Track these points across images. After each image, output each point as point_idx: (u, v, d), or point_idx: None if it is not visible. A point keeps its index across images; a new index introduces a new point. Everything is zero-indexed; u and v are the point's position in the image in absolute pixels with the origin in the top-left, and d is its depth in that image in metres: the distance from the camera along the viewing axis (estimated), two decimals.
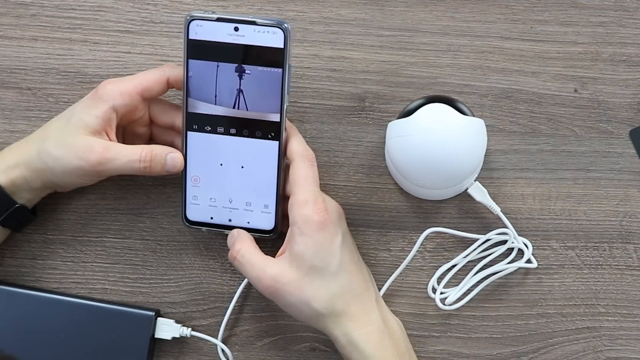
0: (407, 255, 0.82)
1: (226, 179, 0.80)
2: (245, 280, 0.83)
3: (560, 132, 0.85)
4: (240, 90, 0.78)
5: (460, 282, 0.83)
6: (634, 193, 0.84)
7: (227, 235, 0.82)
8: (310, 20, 0.85)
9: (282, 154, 0.79)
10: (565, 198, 0.85)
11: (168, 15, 0.86)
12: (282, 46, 0.77)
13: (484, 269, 0.83)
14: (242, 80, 0.78)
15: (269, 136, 0.79)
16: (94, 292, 0.85)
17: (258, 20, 0.76)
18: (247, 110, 0.78)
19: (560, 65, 0.85)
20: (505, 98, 0.85)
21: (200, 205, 0.82)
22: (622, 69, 0.85)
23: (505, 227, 0.83)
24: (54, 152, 0.77)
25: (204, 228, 0.82)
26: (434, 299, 0.82)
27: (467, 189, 0.83)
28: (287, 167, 0.80)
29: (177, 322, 0.83)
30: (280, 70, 0.77)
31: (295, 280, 0.76)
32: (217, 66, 0.78)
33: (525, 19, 0.85)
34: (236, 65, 0.77)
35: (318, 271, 0.76)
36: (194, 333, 0.83)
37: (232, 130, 0.79)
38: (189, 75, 0.78)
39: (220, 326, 0.84)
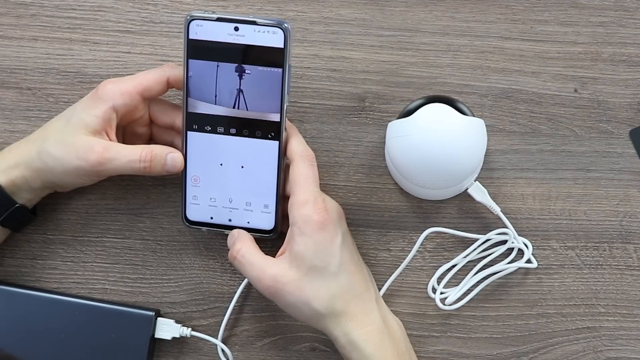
0: (407, 255, 0.82)
1: (226, 179, 0.80)
2: (245, 280, 0.83)
3: (560, 132, 0.85)
4: (240, 90, 0.78)
5: (460, 282, 0.83)
6: (634, 193, 0.84)
7: (227, 235, 0.82)
8: (310, 20, 0.85)
9: (282, 154, 0.79)
10: (565, 198, 0.85)
11: (168, 15, 0.86)
12: (282, 46, 0.77)
13: (484, 269, 0.83)
14: (242, 80, 0.78)
15: (269, 136, 0.79)
16: (94, 292, 0.85)
17: (258, 20, 0.76)
18: (247, 110, 0.79)
19: (560, 65, 0.85)
20: (505, 98, 0.85)
21: (200, 205, 0.82)
22: (622, 69, 0.85)
23: (505, 227, 0.83)
24: (54, 152, 0.77)
25: (204, 228, 0.82)
26: (434, 299, 0.82)
27: (467, 189, 0.83)
28: (287, 167, 0.80)
29: (177, 322, 0.83)
30: (280, 70, 0.77)
31: (295, 280, 0.76)
32: (217, 66, 0.78)
33: (525, 19, 0.85)
34: (236, 65, 0.77)
35: (318, 271, 0.76)
36: (194, 333, 0.83)
37: (232, 130, 0.79)
38: (189, 75, 0.78)
39: (220, 326, 0.84)
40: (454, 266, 0.84)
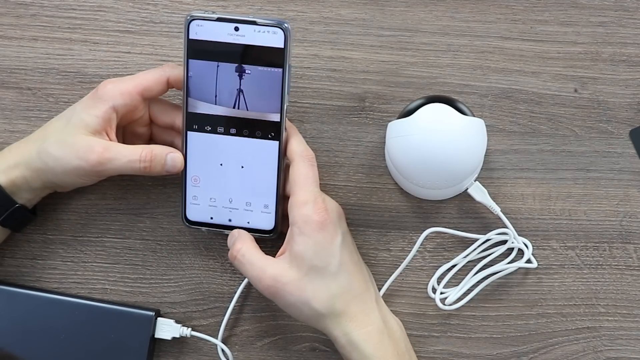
0: (407, 255, 0.82)
1: (226, 179, 0.80)
2: (245, 280, 0.83)
3: (560, 132, 0.85)
4: (240, 90, 0.78)
5: (460, 282, 0.83)
6: (634, 193, 0.84)
7: (227, 235, 0.82)
8: (310, 20, 0.85)
9: (282, 154, 0.79)
10: (565, 198, 0.85)
11: (168, 15, 0.86)
12: (282, 46, 0.77)
13: (484, 269, 0.83)
14: (242, 80, 0.78)
15: (269, 136, 0.79)
16: (94, 292, 0.85)
17: (258, 20, 0.76)
18: (247, 110, 0.78)
19: (560, 65, 0.85)
20: (505, 98, 0.85)
21: (200, 205, 0.82)
22: (622, 69, 0.85)
23: (505, 227, 0.83)
24: (54, 152, 0.77)
25: (204, 228, 0.82)
26: (434, 299, 0.82)
27: (467, 189, 0.83)
28: (287, 167, 0.80)
29: (177, 322, 0.83)
30: (280, 70, 0.77)
31: (295, 280, 0.76)
32: (217, 66, 0.78)
33: (525, 19, 0.85)
34: (236, 65, 0.77)
35: (318, 271, 0.76)
36: (194, 333, 0.83)
37: (232, 130, 0.79)
38: (189, 75, 0.78)
39: (220, 326, 0.84)
40: (454, 266, 0.84)
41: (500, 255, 0.83)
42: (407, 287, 0.84)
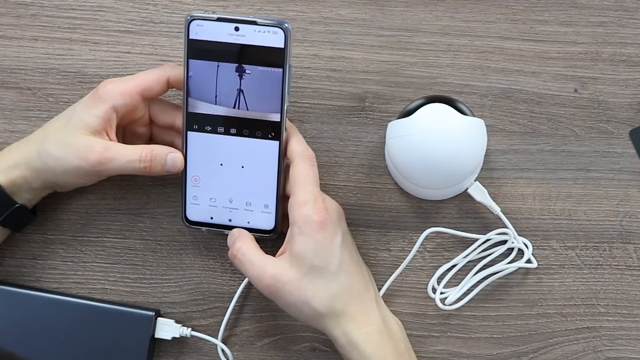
0: (407, 255, 0.82)
1: (226, 179, 0.80)
2: (245, 280, 0.83)
3: (560, 132, 0.85)
4: (240, 90, 0.78)
5: (460, 282, 0.83)
6: (634, 193, 0.84)
7: (227, 235, 0.82)
8: (310, 20, 0.85)
9: (283, 153, 0.79)
10: (565, 198, 0.85)
11: (168, 15, 0.86)
12: (282, 46, 0.77)
13: (484, 269, 0.83)
14: (242, 80, 0.78)
15: (269, 136, 0.79)
16: (94, 292, 0.85)
17: (259, 20, 0.76)
18: (248, 110, 0.78)
19: (560, 65, 0.85)
20: (505, 98, 0.85)
21: (200, 205, 0.82)
22: (622, 69, 0.85)
23: (505, 227, 0.83)
24: (54, 152, 0.77)
25: (204, 228, 0.82)
26: (434, 299, 0.82)
27: (467, 189, 0.83)
28: (288, 167, 0.80)
29: (177, 322, 0.83)
30: (280, 70, 0.77)
31: (295, 279, 0.76)
32: (218, 66, 0.78)
33: (525, 19, 0.85)
34: (236, 65, 0.77)
35: (318, 271, 0.76)
36: (194, 333, 0.83)
37: (233, 130, 0.79)
38: (190, 75, 0.78)
39: (220, 326, 0.84)
40: (454, 266, 0.84)
41: (500, 255, 0.83)
42: (407, 287, 0.84)
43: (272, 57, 0.77)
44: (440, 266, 0.83)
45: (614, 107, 0.85)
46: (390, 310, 0.82)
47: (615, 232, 0.84)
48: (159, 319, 0.83)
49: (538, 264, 0.84)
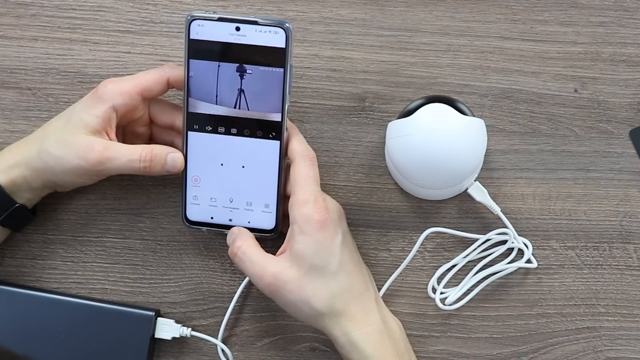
0: (407, 255, 0.82)
1: (227, 179, 0.80)
2: (245, 280, 0.83)
3: (560, 132, 0.85)
4: (241, 90, 0.78)
5: (460, 282, 0.83)
6: (634, 193, 0.85)
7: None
8: (310, 20, 0.85)
9: (283, 153, 0.79)
10: (565, 198, 0.85)
11: (168, 15, 0.86)
12: (283, 46, 0.77)
13: (484, 269, 0.83)
14: (243, 80, 0.78)
15: (270, 136, 0.79)
16: (94, 292, 0.85)
17: (260, 20, 0.76)
18: (248, 110, 0.78)
19: (560, 65, 0.85)
20: (505, 98, 0.85)
21: (201, 205, 0.81)
22: (622, 69, 0.85)
23: (505, 227, 0.83)
24: (54, 152, 0.77)
25: (204, 228, 0.82)
26: (434, 299, 0.82)
27: (467, 189, 0.83)
28: (288, 166, 0.80)
29: (177, 322, 0.83)
30: (281, 70, 0.77)
31: (295, 279, 0.76)
32: (218, 66, 0.78)
33: (525, 19, 0.85)
34: (237, 65, 0.77)
35: (318, 270, 0.76)
36: (194, 333, 0.83)
37: (233, 130, 0.79)
38: (190, 75, 0.78)
39: (220, 326, 0.83)
40: (454, 266, 0.84)
41: (500, 255, 0.84)
42: (407, 287, 0.84)
43: (273, 57, 0.77)
44: (440, 266, 0.83)
45: (614, 107, 0.85)
46: (390, 310, 0.82)
47: (615, 232, 0.84)
48: (159, 319, 0.82)
49: (538, 264, 0.84)
